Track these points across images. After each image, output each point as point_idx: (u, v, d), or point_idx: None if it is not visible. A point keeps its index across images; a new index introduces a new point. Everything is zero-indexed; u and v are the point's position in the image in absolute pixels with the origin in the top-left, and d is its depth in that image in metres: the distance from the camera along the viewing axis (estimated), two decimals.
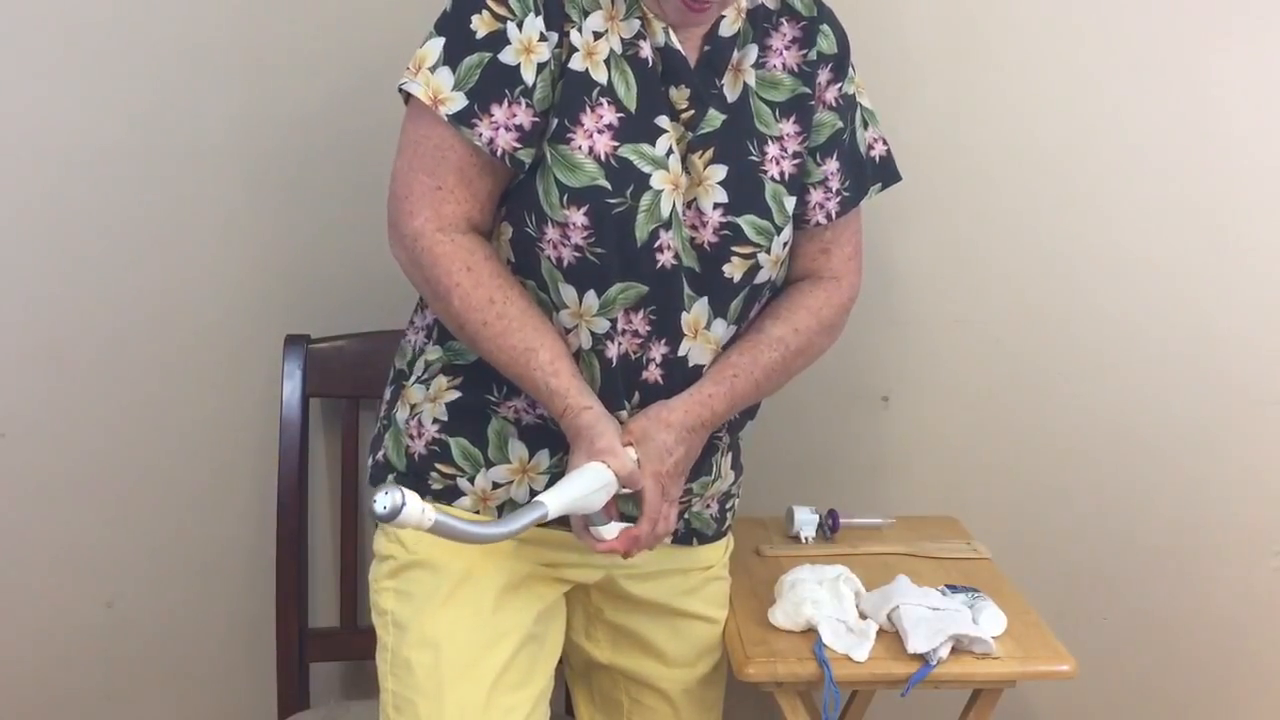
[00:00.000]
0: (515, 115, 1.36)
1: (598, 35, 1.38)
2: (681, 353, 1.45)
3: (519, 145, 1.37)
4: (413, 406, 1.52)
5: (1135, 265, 2.00)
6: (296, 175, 1.91)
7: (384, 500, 1.15)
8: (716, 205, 1.43)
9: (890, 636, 1.55)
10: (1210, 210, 1.99)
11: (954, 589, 1.64)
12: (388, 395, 1.59)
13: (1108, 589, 2.10)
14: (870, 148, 1.57)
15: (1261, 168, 1.98)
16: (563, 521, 1.34)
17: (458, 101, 1.35)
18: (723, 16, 1.45)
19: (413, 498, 1.16)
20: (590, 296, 1.40)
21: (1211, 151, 1.97)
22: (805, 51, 1.49)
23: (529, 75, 1.36)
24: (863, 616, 1.58)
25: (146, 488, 1.97)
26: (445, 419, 1.49)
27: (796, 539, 1.87)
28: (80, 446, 1.94)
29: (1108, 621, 2.11)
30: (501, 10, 1.36)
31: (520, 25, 1.36)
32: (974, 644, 1.52)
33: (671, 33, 1.42)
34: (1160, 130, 1.96)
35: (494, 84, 1.35)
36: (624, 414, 1.45)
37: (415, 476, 1.50)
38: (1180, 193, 1.98)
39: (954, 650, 1.52)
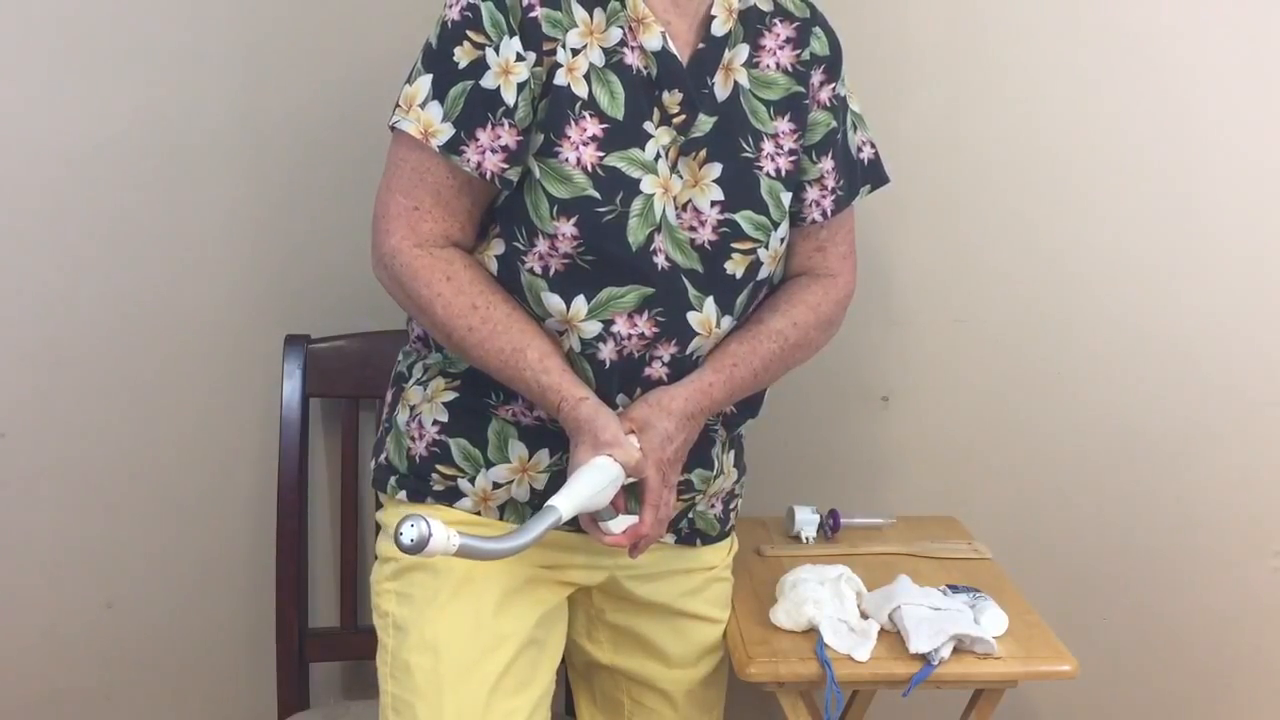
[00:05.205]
0: (500, 136, 1.38)
1: (576, 51, 1.40)
2: (690, 351, 1.45)
3: (506, 165, 1.39)
4: (412, 408, 1.52)
5: (1135, 265, 2.00)
6: (296, 175, 1.91)
7: (410, 532, 1.15)
8: (714, 203, 1.44)
9: (892, 636, 1.55)
10: (1210, 210, 1.99)
11: (955, 589, 1.64)
12: (389, 398, 1.59)
13: (1108, 589, 2.10)
14: (859, 150, 1.59)
15: (1261, 168, 1.98)
16: (566, 522, 1.33)
17: (446, 132, 1.38)
18: (714, 16, 1.46)
19: (438, 526, 1.16)
20: (579, 301, 1.41)
21: (1211, 152, 1.97)
22: (799, 52, 1.50)
23: (510, 96, 1.38)
24: (864, 616, 1.59)
25: (146, 488, 1.97)
26: (445, 420, 1.50)
27: (797, 539, 1.87)
28: (80, 446, 1.94)
29: (1108, 621, 2.11)
30: (480, 38, 1.38)
31: (497, 49, 1.38)
32: (976, 644, 1.52)
33: (668, 36, 1.43)
34: (1160, 130, 1.96)
35: (477, 109, 1.38)
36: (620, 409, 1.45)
37: (417, 478, 1.51)
38: (1180, 193, 1.98)
39: (955, 650, 1.52)
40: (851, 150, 1.58)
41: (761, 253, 1.47)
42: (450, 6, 1.39)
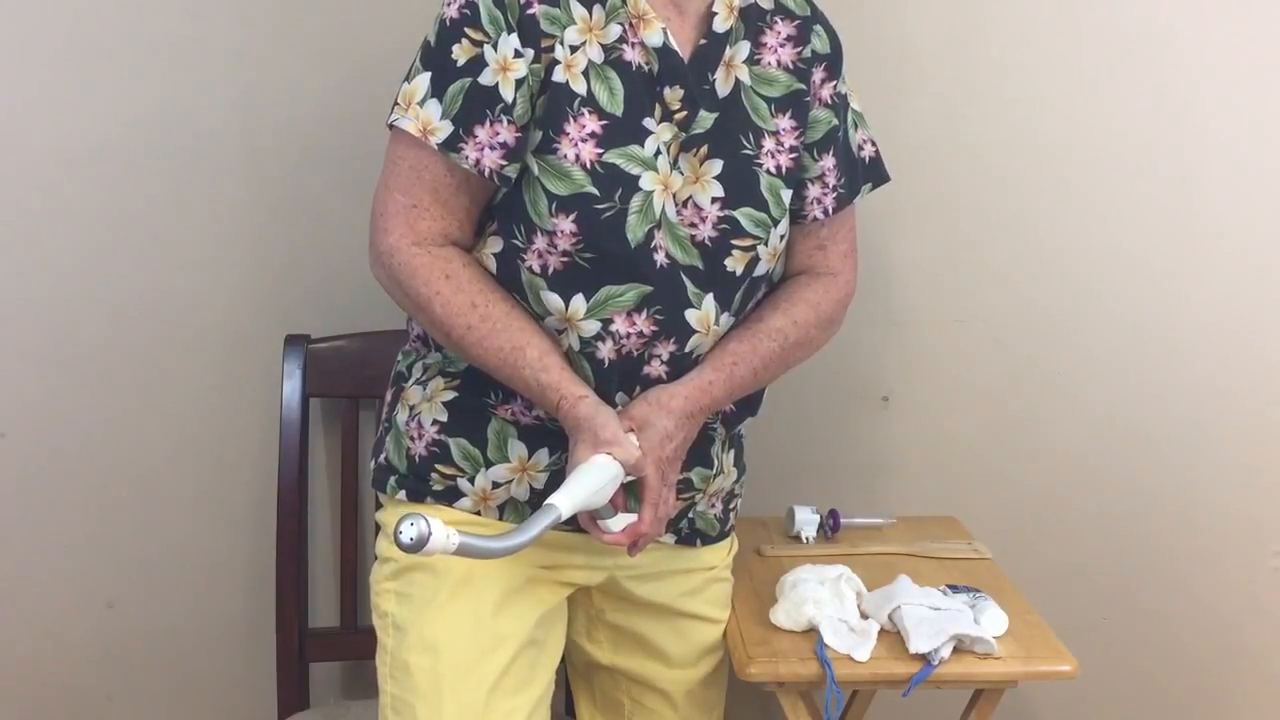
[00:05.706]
0: (498, 133, 1.38)
1: (574, 48, 1.40)
2: (689, 349, 1.45)
3: (504, 162, 1.39)
4: (412, 408, 1.52)
5: (1135, 265, 2.00)
6: (296, 175, 1.91)
7: (410, 531, 1.15)
8: (714, 199, 1.44)
9: (892, 636, 1.55)
10: (1210, 210, 1.99)
11: (955, 589, 1.64)
12: (388, 398, 1.59)
13: (1108, 589, 2.10)
14: (860, 148, 1.59)
15: (1261, 168, 1.98)
16: (565, 521, 1.34)
17: (445, 130, 1.38)
18: (715, 13, 1.46)
19: (437, 525, 1.16)
20: (578, 300, 1.41)
21: (1211, 152, 1.97)
22: (800, 49, 1.51)
23: (508, 93, 1.38)
24: (864, 616, 1.58)
25: (147, 488, 1.97)
26: (445, 420, 1.50)
27: (797, 539, 1.87)
28: (80, 446, 1.94)
29: (1107, 621, 2.11)
30: (478, 35, 1.38)
31: (495, 46, 1.38)
32: (976, 644, 1.52)
33: (669, 32, 1.43)
34: (1160, 130, 1.96)
35: (475, 106, 1.38)
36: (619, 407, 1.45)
37: (416, 478, 1.51)
38: (1180, 193, 1.98)
39: (955, 650, 1.52)
40: (853, 148, 1.58)
41: (761, 250, 1.47)
42: (448, 4, 1.39)
